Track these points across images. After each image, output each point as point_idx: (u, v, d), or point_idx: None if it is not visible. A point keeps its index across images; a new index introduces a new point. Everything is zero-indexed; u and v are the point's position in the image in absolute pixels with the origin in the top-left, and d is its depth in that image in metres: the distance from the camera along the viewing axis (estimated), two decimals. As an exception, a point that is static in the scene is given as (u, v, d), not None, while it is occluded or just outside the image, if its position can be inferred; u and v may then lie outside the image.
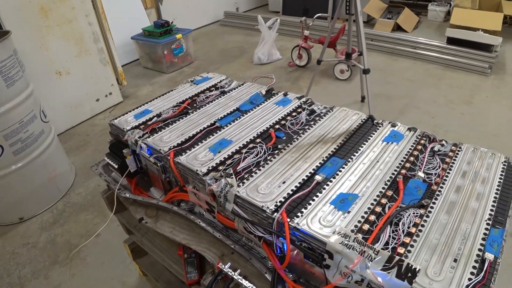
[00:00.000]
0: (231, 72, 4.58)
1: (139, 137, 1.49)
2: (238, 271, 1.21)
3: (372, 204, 1.04)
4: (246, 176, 1.18)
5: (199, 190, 1.29)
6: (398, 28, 5.50)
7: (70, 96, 3.61)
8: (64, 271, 2.32)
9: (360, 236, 0.95)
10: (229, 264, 1.23)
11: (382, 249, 0.91)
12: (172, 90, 1.87)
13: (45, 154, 2.71)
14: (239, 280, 1.17)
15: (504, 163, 1.22)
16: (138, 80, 4.54)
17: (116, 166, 1.59)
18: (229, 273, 1.19)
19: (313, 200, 1.06)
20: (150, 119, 1.62)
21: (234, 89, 1.78)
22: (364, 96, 3.60)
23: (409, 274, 0.81)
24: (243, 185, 1.14)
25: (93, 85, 3.77)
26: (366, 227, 0.98)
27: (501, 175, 1.17)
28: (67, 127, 3.70)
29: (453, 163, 1.22)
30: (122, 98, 4.09)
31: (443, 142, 1.31)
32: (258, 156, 1.27)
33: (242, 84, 1.81)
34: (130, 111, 1.71)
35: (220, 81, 1.89)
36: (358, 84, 3.61)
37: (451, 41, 4.44)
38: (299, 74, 4.37)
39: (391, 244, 0.93)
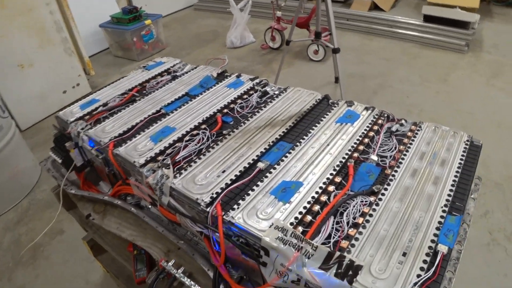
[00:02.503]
0: (203, 56, 4.43)
1: (82, 129, 1.38)
2: (182, 268, 1.12)
3: (317, 192, 0.95)
4: (185, 166, 1.09)
5: (141, 182, 1.19)
6: (375, 7, 5.38)
7: (35, 89, 3.44)
8: (29, 271, 2.22)
9: (300, 229, 0.86)
10: (172, 261, 1.14)
11: (323, 243, 0.83)
12: (123, 77, 1.75)
13: (5, 151, 2.57)
14: (182, 278, 1.08)
15: (466, 142, 1.12)
16: (107, 70, 4.37)
17: (60, 161, 1.48)
18: (171, 271, 1.10)
19: (253, 190, 0.97)
20: (96, 108, 1.50)
21: (187, 73, 1.67)
22: (338, 77, 3.51)
23: (350, 272, 0.73)
24: (180, 176, 1.05)
25: (59, 76, 3.60)
26: (308, 218, 0.89)
27: (462, 155, 1.07)
28: (34, 121, 3.54)
29: (411, 144, 1.12)
30: (90, 89, 3.92)
31: (402, 122, 1.21)
32: (200, 144, 1.17)
33: (196, 68, 1.70)
34: (76, 101, 1.59)
35: (174, 65, 1.78)
36: (332, 65, 3.51)
37: (428, 19, 4.34)
38: (273, 57, 4.24)
39: (333, 238, 0.84)
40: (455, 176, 1.00)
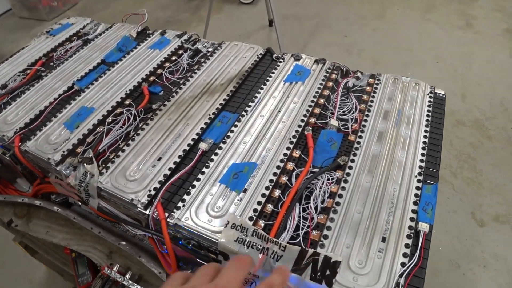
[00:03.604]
0: (123, 8, 3.96)
1: (-24, 121, 1.11)
2: (129, 273, 0.97)
3: (275, 174, 0.79)
4: (112, 157, 0.89)
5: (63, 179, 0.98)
6: None
7: None
8: (-42, 280, 1.96)
9: (262, 223, 0.72)
10: (117, 266, 0.98)
11: (291, 238, 0.70)
12: (22, 49, 1.44)
13: None
14: (131, 286, 0.93)
15: (430, 95, 0.99)
16: (14, 35, 3.79)
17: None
18: (117, 279, 0.95)
19: (198, 179, 0.80)
20: (-7, 93, 1.22)
21: (100, 34, 1.39)
22: (272, 20, 3.28)
23: (328, 272, 0.60)
24: (107, 171, 0.85)
25: (-47, 49, 3.07)
26: (269, 208, 0.74)
27: (428, 111, 0.95)
28: None
29: (371, 101, 0.98)
30: (-3, 60, 3.41)
31: (358, 75, 1.06)
32: (126, 125, 0.97)
33: (111, 27, 1.42)
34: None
35: (84, 26, 1.48)
36: (265, 7, 3.26)
37: None
38: (199, 3, 3.87)
39: (302, 228, 0.71)
40: (424, 136, 0.88)
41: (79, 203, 1.06)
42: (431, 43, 3.06)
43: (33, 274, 1.92)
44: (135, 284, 0.93)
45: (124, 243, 0.97)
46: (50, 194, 1.15)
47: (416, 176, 0.78)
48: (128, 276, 0.96)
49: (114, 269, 0.97)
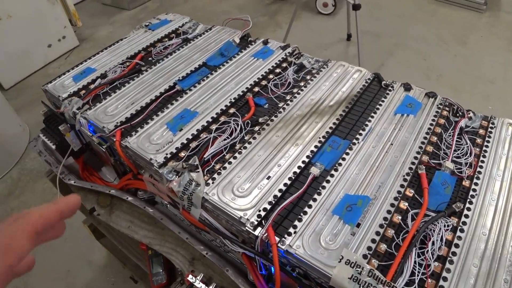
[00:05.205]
0: (201, 5, 4.03)
1: (78, 109, 1.14)
2: (214, 284, 0.95)
3: (389, 211, 0.75)
4: (218, 168, 0.87)
5: (158, 181, 0.98)
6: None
7: (15, 44, 3.07)
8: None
9: (375, 263, 0.68)
10: (201, 275, 0.96)
11: (406, 284, 0.65)
12: (121, 40, 1.47)
13: (-13, 117, 2.31)
14: (215, 299, 0.91)
15: None
16: (95, 20, 3.96)
17: (53, 147, 1.25)
18: (201, 288, 0.93)
19: (310, 206, 0.76)
20: (93, 81, 1.25)
21: (200, 35, 1.40)
22: (351, 34, 3.20)
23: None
24: (213, 182, 0.84)
25: (42, 28, 3.23)
26: (382, 248, 0.70)
27: None
28: (16, 80, 3.21)
29: (486, 146, 0.91)
30: (78, 42, 3.57)
31: (471, 115, 0.99)
32: (232, 136, 0.95)
33: (210, 29, 1.43)
34: (68, 71, 1.33)
35: (183, 24, 1.50)
36: (343, 19, 3.18)
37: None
38: (277, 8, 3.86)
39: (417, 275, 0.66)
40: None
41: (168, 204, 1.07)
42: (515, 77, 2.87)
43: (93, 256, 1.97)
44: (220, 298, 0.91)
45: (211, 253, 0.96)
46: (137, 189, 1.16)
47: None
48: (212, 287, 0.94)
49: (198, 277, 0.95)
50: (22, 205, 2.26)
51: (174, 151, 0.93)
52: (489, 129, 0.96)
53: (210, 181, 0.84)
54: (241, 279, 0.89)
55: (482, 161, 0.87)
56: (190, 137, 0.96)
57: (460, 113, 0.99)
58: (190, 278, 0.95)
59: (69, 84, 1.26)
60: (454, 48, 3.19)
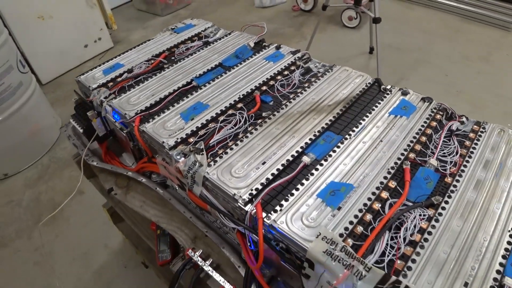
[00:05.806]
0: (230, 15, 4.20)
1: (105, 98, 1.28)
2: (210, 260, 1.04)
3: (369, 199, 0.83)
4: (220, 152, 0.98)
5: (169, 163, 1.09)
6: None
7: (55, 42, 3.31)
8: (48, 231, 2.21)
9: (350, 242, 0.75)
10: (200, 251, 1.06)
11: (376, 262, 0.73)
12: (149, 40, 1.61)
13: (25, 108, 2.50)
14: (209, 272, 1.00)
15: None
16: (130, 24, 4.20)
17: (81, 130, 1.39)
18: (198, 262, 1.03)
19: (297, 189, 0.85)
20: (121, 75, 1.39)
21: (220, 39, 1.52)
22: (373, 47, 3.27)
23: (406, 301, 0.62)
24: (214, 164, 0.94)
25: (80, 29, 3.47)
26: (359, 230, 0.78)
27: None
28: (53, 76, 3.45)
29: (474, 148, 0.97)
30: (112, 44, 3.79)
31: (463, 119, 1.06)
32: (237, 127, 1.05)
33: (229, 34, 1.55)
34: (99, 65, 1.47)
35: (205, 29, 1.63)
36: (367, 33, 3.26)
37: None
38: (304, 20, 3.99)
39: (388, 255, 0.74)
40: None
41: (177, 187, 1.17)
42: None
43: (109, 241, 2.11)
44: (214, 271, 1.00)
45: (211, 231, 1.06)
46: (151, 173, 1.28)
47: (509, 231, 0.77)
48: (208, 262, 1.03)
49: (197, 253, 1.05)
50: (50, 190, 2.43)
51: (184, 136, 1.04)
52: (479, 133, 1.02)
53: (212, 163, 0.94)
54: (234, 256, 0.98)
55: (467, 161, 0.93)
56: (200, 125, 1.07)
57: (454, 118, 1.06)
58: (189, 252, 1.05)
59: (99, 76, 1.40)
60: (477, 65, 3.20)
